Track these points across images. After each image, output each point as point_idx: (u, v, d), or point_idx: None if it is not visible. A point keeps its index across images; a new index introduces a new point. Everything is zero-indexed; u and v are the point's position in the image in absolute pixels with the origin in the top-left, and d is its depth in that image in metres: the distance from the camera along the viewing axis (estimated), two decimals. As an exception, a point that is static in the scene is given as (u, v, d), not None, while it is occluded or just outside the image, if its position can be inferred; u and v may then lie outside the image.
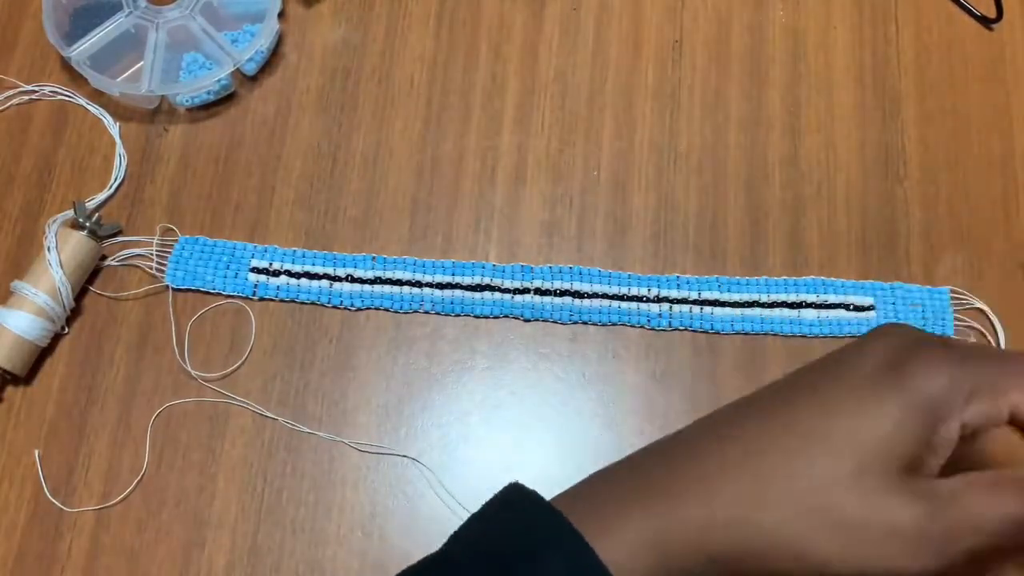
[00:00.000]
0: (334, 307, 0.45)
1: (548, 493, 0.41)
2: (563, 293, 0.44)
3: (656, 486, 0.28)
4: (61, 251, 0.42)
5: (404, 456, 0.42)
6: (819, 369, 0.30)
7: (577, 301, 0.44)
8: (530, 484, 0.41)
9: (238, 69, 0.47)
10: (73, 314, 0.44)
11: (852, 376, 0.28)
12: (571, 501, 0.28)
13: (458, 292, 0.44)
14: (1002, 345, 0.44)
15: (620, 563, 0.26)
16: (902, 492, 0.26)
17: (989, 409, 0.27)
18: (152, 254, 0.45)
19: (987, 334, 0.44)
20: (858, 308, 0.44)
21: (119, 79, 0.48)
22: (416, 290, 0.44)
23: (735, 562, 0.27)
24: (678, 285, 0.45)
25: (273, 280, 0.44)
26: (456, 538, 0.29)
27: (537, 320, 0.44)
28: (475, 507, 0.40)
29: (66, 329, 0.44)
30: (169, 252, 0.45)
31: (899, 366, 0.27)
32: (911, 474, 0.27)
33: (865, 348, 0.29)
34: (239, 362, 0.43)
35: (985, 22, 0.51)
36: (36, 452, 0.42)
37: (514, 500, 0.28)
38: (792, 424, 0.27)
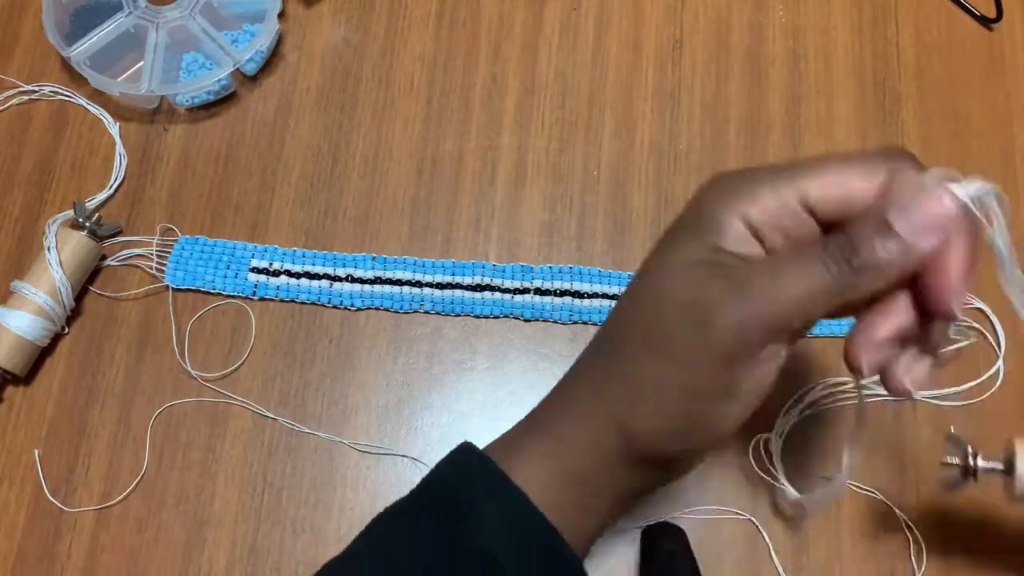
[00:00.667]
0: (334, 307, 0.45)
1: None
2: (563, 293, 0.44)
3: (544, 416, 0.31)
4: (61, 251, 0.42)
5: (404, 456, 0.42)
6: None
7: (577, 301, 0.44)
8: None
9: (238, 69, 0.47)
10: (73, 314, 0.44)
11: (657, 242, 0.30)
12: (496, 448, 0.31)
13: (458, 292, 0.44)
14: (1001, 349, 0.44)
15: (530, 482, 0.29)
16: (719, 279, 0.27)
17: (774, 205, 0.27)
18: (152, 254, 0.45)
19: (987, 334, 0.44)
20: (858, 308, 0.44)
21: (119, 79, 0.48)
22: (416, 290, 0.44)
23: (638, 475, 0.29)
24: (678, 285, 0.45)
25: (273, 280, 0.44)
26: (413, 489, 0.32)
27: (537, 320, 0.44)
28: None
29: (66, 329, 0.44)
30: (169, 252, 0.45)
31: (687, 206, 0.29)
32: (724, 266, 0.27)
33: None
34: (239, 362, 0.43)
35: (985, 22, 0.51)
36: (36, 452, 0.42)
37: (457, 453, 0.31)
38: (639, 319, 0.30)
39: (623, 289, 0.44)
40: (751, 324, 0.27)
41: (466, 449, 0.31)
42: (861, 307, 0.28)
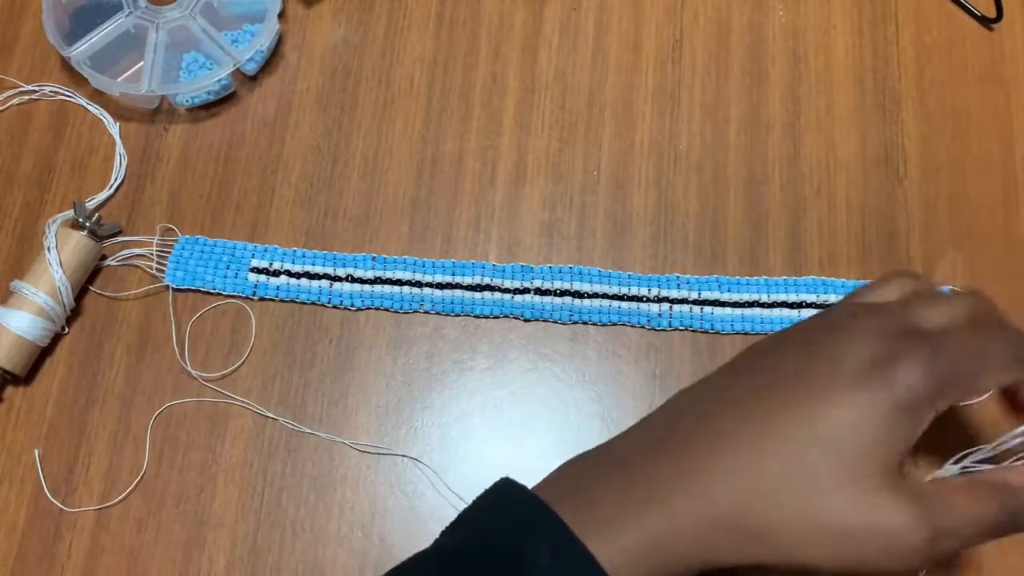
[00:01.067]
0: (334, 307, 0.45)
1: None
2: (563, 293, 0.44)
3: (649, 487, 0.28)
4: (61, 251, 0.42)
5: (404, 456, 0.42)
6: (799, 354, 0.30)
7: (577, 301, 0.44)
8: (530, 482, 0.41)
9: (238, 69, 0.47)
10: (73, 314, 0.44)
11: (838, 371, 0.28)
12: (558, 496, 0.28)
13: (458, 292, 0.44)
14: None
15: (618, 567, 0.26)
16: (892, 494, 0.27)
17: (962, 397, 0.28)
18: (152, 254, 0.45)
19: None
20: (858, 308, 0.44)
21: (119, 79, 0.48)
22: (416, 290, 0.44)
23: (730, 563, 0.27)
24: (678, 285, 0.45)
25: (273, 280, 0.44)
26: (447, 533, 0.29)
27: (537, 320, 0.44)
28: (475, 507, 0.40)
29: (66, 329, 0.44)
30: (169, 252, 0.45)
31: (886, 365, 0.28)
32: (897, 474, 0.27)
33: (849, 336, 0.29)
34: (239, 362, 0.43)
35: (985, 22, 0.51)
36: (36, 452, 0.42)
37: (504, 495, 0.29)
38: (781, 421, 0.28)
39: (623, 289, 0.44)
40: (930, 558, 0.27)
41: (518, 492, 0.28)
42: None
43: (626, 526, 0.27)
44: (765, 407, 0.28)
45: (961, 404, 0.29)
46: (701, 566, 0.27)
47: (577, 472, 0.30)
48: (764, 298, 0.45)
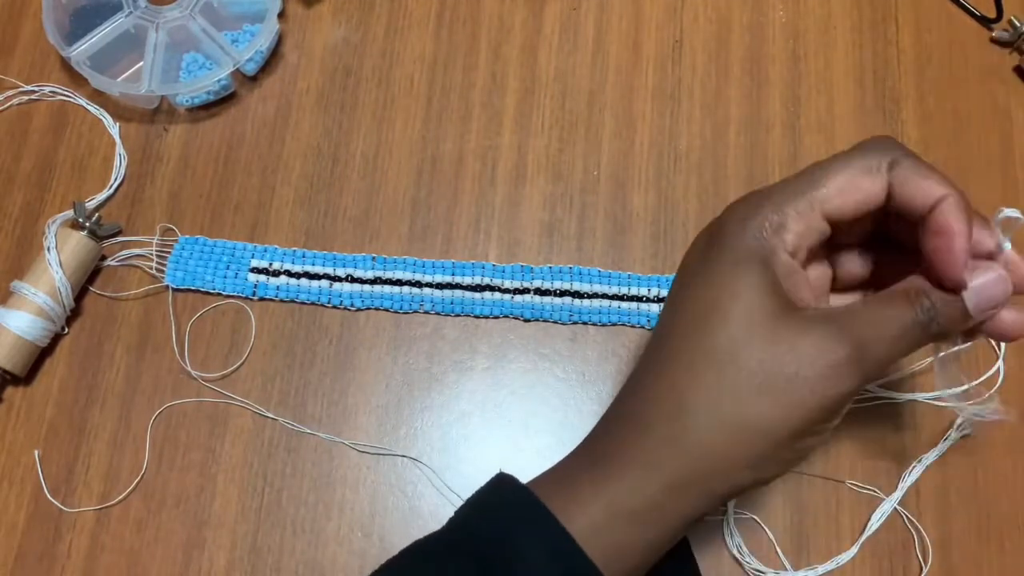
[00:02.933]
0: (334, 307, 0.45)
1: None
2: (563, 293, 0.44)
3: (604, 460, 0.30)
4: (61, 251, 0.42)
5: (404, 456, 0.42)
6: (678, 284, 0.32)
7: (577, 301, 0.44)
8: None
9: (238, 69, 0.47)
10: (73, 314, 0.44)
11: (694, 276, 0.31)
12: (544, 483, 0.30)
13: (458, 292, 0.44)
14: (1001, 349, 0.44)
15: (587, 534, 0.28)
16: (796, 326, 0.29)
17: (803, 229, 0.30)
18: (152, 254, 0.45)
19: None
20: (858, 308, 0.44)
21: (119, 79, 0.48)
22: (416, 290, 0.44)
23: (708, 509, 0.29)
24: (678, 285, 0.45)
25: (273, 280, 0.44)
26: (447, 523, 0.31)
27: (537, 320, 0.44)
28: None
29: (66, 329, 0.44)
30: (169, 252, 0.45)
31: (711, 238, 0.31)
32: (793, 310, 0.29)
33: (688, 252, 0.32)
34: (239, 362, 0.43)
35: (985, 22, 0.51)
36: (36, 452, 0.42)
37: (496, 486, 0.30)
38: (686, 354, 0.30)
39: (623, 289, 0.44)
40: (868, 374, 0.29)
41: (506, 482, 0.30)
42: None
43: (582, 490, 0.29)
44: (666, 357, 0.30)
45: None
46: (684, 519, 0.29)
47: (564, 461, 0.32)
48: (764, 298, 0.45)
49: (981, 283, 0.29)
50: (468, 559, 0.29)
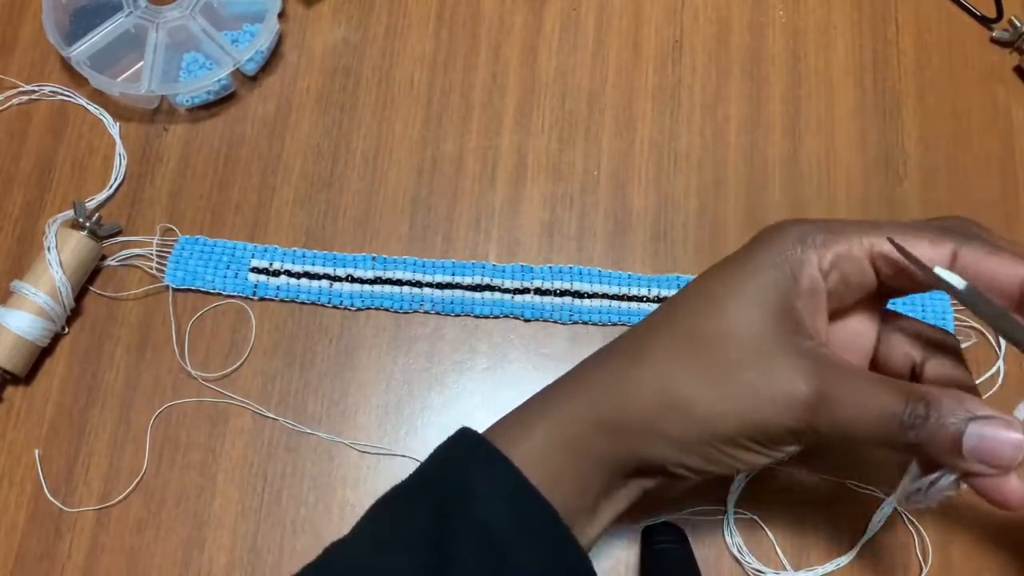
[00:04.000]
0: (334, 307, 0.45)
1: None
2: (563, 293, 0.44)
3: (554, 391, 0.32)
4: (61, 251, 0.42)
5: (404, 456, 0.42)
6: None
7: (577, 301, 0.44)
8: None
9: (238, 69, 0.47)
10: (73, 314, 0.44)
11: (723, 262, 0.31)
12: (500, 421, 0.32)
13: (458, 292, 0.44)
14: (1001, 349, 0.44)
15: (529, 458, 0.29)
16: (783, 349, 0.28)
17: (844, 251, 0.29)
18: (152, 254, 0.45)
19: (987, 334, 0.44)
20: (858, 308, 0.44)
21: (119, 79, 0.48)
22: (416, 290, 0.44)
23: (620, 445, 0.30)
24: (678, 285, 0.45)
25: (273, 280, 0.44)
26: (411, 474, 0.32)
27: (537, 320, 0.44)
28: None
29: (66, 329, 0.44)
30: (169, 252, 0.45)
31: (753, 240, 0.31)
32: (795, 334, 0.28)
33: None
34: (239, 362, 0.43)
35: (985, 22, 0.51)
36: (36, 452, 0.42)
37: (455, 436, 0.32)
38: (667, 325, 0.31)
39: (623, 289, 0.44)
40: (815, 426, 0.28)
41: (462, 432, 0.32)
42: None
43: (536, 428, 0.31)
44: (664, 317, 0.31)
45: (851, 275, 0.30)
46: (610, 466, 0.30)
47: (518, 408, 0.33)
48: (764, 298, 0.44)
49: (990, 428, 0.26)
50: (429, 502, 0.30)
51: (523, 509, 0.29)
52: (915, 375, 0.32)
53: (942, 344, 0.31)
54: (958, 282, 0.27)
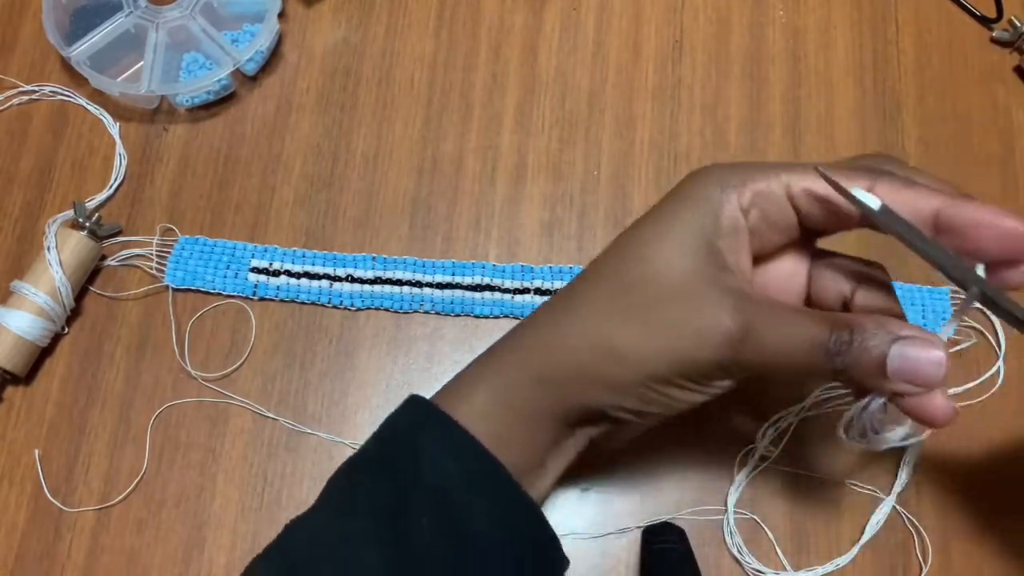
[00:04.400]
0: (334, 307, 0.45)
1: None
2: (563, 293, 0.44)
3: (494, 353, 0.33)
4: (61, 251, 0.42)
5: (404, 456, 0.42)
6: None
7: (577, 301, 0.44)
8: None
9: (238, 69, 0.47)
10: (73, 314, 0.44)
11: (648, 212, 0.32)
12: (445, 386, 0.33)
13: (458, 292, 0.44)
14: (1001, 349, 0.44)
15: (474, 418, 0.31)
16: (707, 286, 0.29)
17: (762, 189, 0.29)
18: (152, 254, 0.45)
19: (987, 334, 0.44)
20: (858, 308, 0.44)
21: (119, 79, 0.48)
22: (416, 290, 0.44)
23: (557, 397, 0.31)
24: (678, 285, 0.45)
25: (273, 280, 0.44)
26: (364, 443, 0.33)
27: (537, 320, 0.44)
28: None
29: (66, 329, 0.44)
30: (169, 252, 0.45)
31: (676, 186, 0.31)
32: (720, 273, 0.29)
33: None
34: (239, 362, 0.43)
35: (985, 22, 0.51)
36: (36, 452, 0.42)
37: (403, 405, 0.33)
38: (595, 274, 0.32)
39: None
40: (741, 359, 0.28)
41: (411, 399, 0.33)
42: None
43: (478, 390, 0.32)
44: (604, 284, 0.31)
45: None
46: (552, 420, 0.31)
47: (460, 372, 0.34)
48: (764, 298, 0.45)
49: (911, 348, 0.27)
50: (382, 469, 0.31)
51: (472, 467, 0.30)
52: (846, 308, 0.32)
53: (870, 276, 0.32)
54: (873, 202, 0.27)
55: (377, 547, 0.29)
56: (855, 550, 0.41)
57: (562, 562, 0.33)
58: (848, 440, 0.30)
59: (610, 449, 0.34)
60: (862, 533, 0.41)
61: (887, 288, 0.32)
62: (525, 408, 0.31)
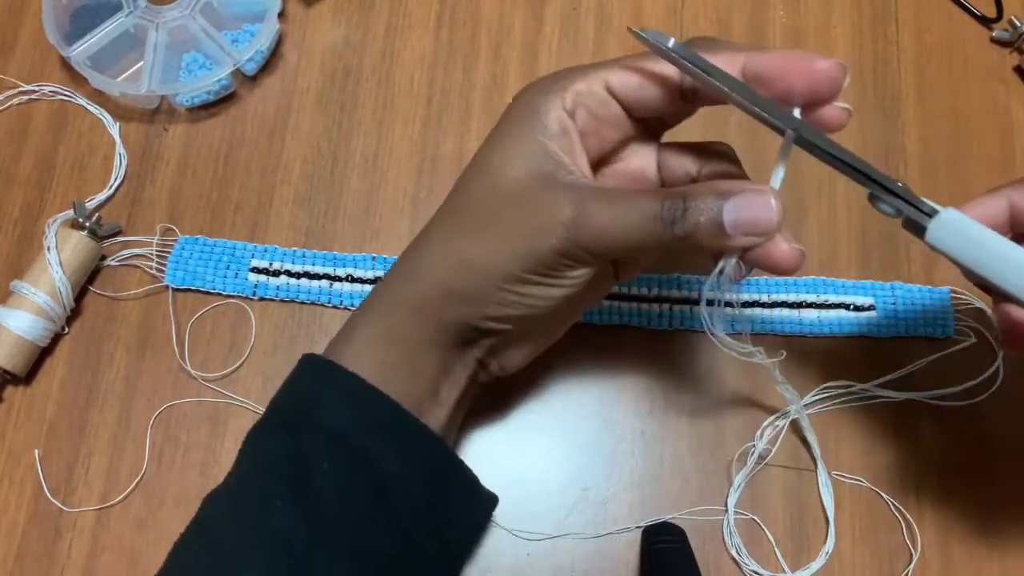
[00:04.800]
0: (334, 307, 0.44)
1: (546, 494, 0.41)
2: (563, 293, 0.44)
3: (372, 296, 0.34)
4: (61, 251, 0.42)
5: (404, 456, 0.42)
6: None
7: (577, 301, 0.44)
8: (531, 483, 0.42)
9: (238, 69, 0.47)
10: (73, 314, 0.44)
11: (487, 137, 0.33)
12: (328, 346, 0.34)
13: (458, 292, 0.44)
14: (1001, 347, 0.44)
15: (358, 360, 0.32)
16: (543, 185, 0.30)
17: (582, 88, 0.31)
18: (152, 254, 0.45)
19: (987, 334, 0.44)
20: (858, 308, 0.44)
21: (119, 79, 0.48)
22: (416, 290, 0.44)
23: (430, 320, 0.32)
24: (678, 285, 0.45)
25: (273, 280, 0.44)
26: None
27: (537, 320, 0.44)
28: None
29: (66, 329, 0.44)
30: (169, 252, 0.45)
31: (508, 105, 0.33)
32: (555, 171, 0.30)
33: None
34: (239, 362, 0.43)
35: (985, 22, 0.51)
36: (36, 452, 0.42)
37: (297, 365, 0.34)
38: (450, 199, 0.34)
39: (623, 289, 0.44)
40: (580, 241, 0.30)
41: (302, 357, 0.34)
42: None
43: (359, 331, 0.33)
44: (460, 208, 0.33)
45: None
46: (431, 346, 0.32)
47: (344, 323, 0.35)
48: (764, 298, 0.45)
49: (743, 199, 0.29)
50: (282, 425, 0.33)
51: (364, 406, 0.31)
52: None
53: (715, 151, 0.34)
54: (671, 42, 0.29)
55: (282, 501, 0.30)
56: (853, 548, 0.41)
57: (474, 485, 0.35)
58: (711, 325, 0.31)
59: (507, 373, 0.36)
60: (861, 532, 0.41)
61: (731, 160, 0.33)
62: (404, 339, 0.32)
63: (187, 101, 0.47)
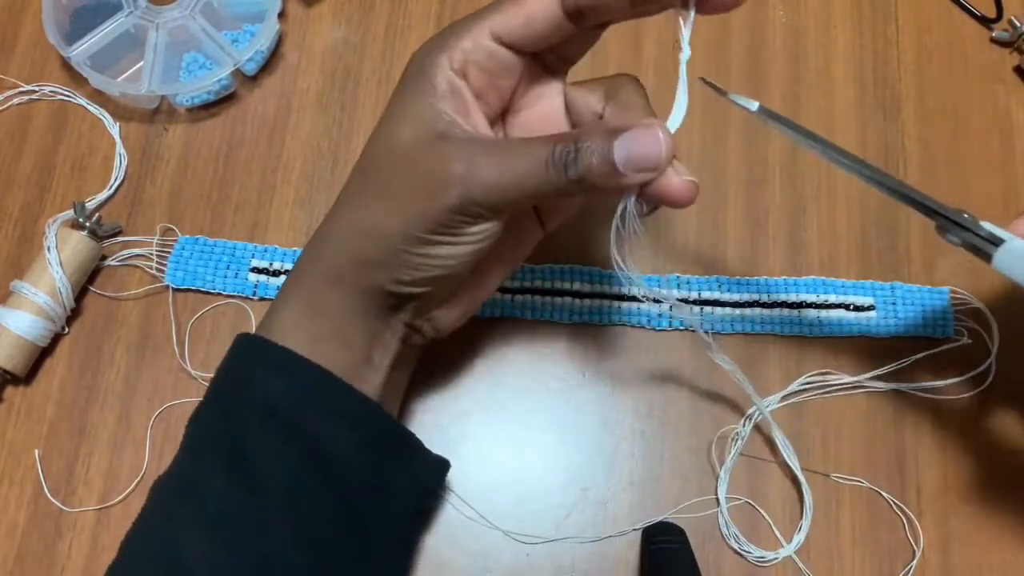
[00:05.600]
0: (334, 307, 0.44)
1: (546, 494, 0.41)
2: (563, 293, 0.44)
3: (293, 269, 0.34)
4: (61, 251, 0.42)
5: (404, 456, 0.42)
6: None
7: (577, 301, 0.44)
8: (530, 483, 0.42)
9: (238, 69, 0.47)
10: (73, 314, 0.44)
11: (386, 105, 0.33)
12: (259, 325, 0.34)
13: (458, 292, 0.44)
14: (994, 346, 0.44)
15: (286, 332, 0.32)
16: (434, 144, 0.30)
17: (467, 45, 0.31)
18: (152, 254, 0.45)
19: (985, 335, 0.44)
20: (858, 308, 0.44)
21: (119, 79, 0.48)
22: (416, 290, 0.44)
23: (349, 289, 0.32)
24: (678, 285, 0.45)
25: (273, 280, 0.44)
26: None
27: (537, 320, 0.44)
28: (476, 506, 0.41)
29: (66, 329, 0.44)
30: (169, 252, 0.45)
31: (402, 72, 0.32)
32: (448, 130, 0.30)
33: None
34: (239, 362, 0.43)
35: (985, 22, 0.51)
36: (36, 452, 0.42)
37: (231, 346, 0.35)
38: (355, 170, 0.33)
39: (623, 289, 0.44)
40: (473, 196, 0.29)
41: (235, 338, 0.35)
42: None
43: (285, 308, 0.33)
44: (366, 177, 0.33)
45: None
46: (352, 316, 0.33)
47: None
48: (764, 298, 0.45)
49: (631, 136, 0.28)
50: (218, 404, 0.33)
51: (296, 377, 0.32)
52: None
53: (619, 87, 0.33)
54: (755, 105, 0.30)
55: (220, 480, 0.31)
56: (853, 548, 0.41)
57: (419, 449, 0.35)
58: (623, 266, 0.32)
59: (442, 335, 0.36)
60: (861, 531, 0.41)
61: (636, 94, 0.33)
62: (328, 310, 0.32)
63: (187, 101, 0.47)
